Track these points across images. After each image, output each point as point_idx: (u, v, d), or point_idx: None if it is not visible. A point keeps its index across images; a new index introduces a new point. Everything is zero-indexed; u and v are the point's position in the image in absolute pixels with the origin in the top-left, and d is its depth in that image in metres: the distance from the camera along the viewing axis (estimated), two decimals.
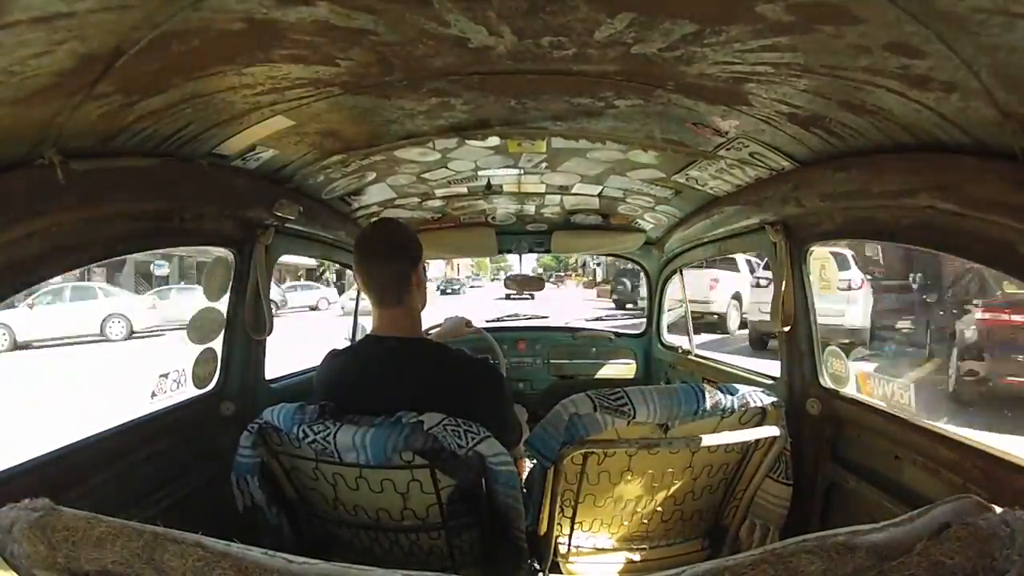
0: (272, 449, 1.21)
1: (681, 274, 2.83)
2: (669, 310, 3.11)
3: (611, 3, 0.79)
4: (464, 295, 26.41)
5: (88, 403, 5.15)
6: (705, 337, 8.91)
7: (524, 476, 1.61)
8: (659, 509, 1.50)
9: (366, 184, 1.86)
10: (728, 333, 10.29)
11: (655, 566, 1.54)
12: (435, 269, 30.89)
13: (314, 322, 13.42)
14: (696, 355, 2.67)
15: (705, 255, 2.42)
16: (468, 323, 2.46)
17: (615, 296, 15.77)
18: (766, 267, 7.98)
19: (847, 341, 6.02)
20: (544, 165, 1.82)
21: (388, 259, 1.25)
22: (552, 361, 3.15)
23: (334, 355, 1.34)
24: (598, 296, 21.30)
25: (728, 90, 1.07)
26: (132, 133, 1.03)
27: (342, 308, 13.83)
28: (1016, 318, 5.41)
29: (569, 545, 1.51)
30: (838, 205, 1.36)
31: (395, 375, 1.22)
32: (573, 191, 2.16)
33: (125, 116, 0.96)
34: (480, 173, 1.91)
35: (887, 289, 8.39)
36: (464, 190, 2.11)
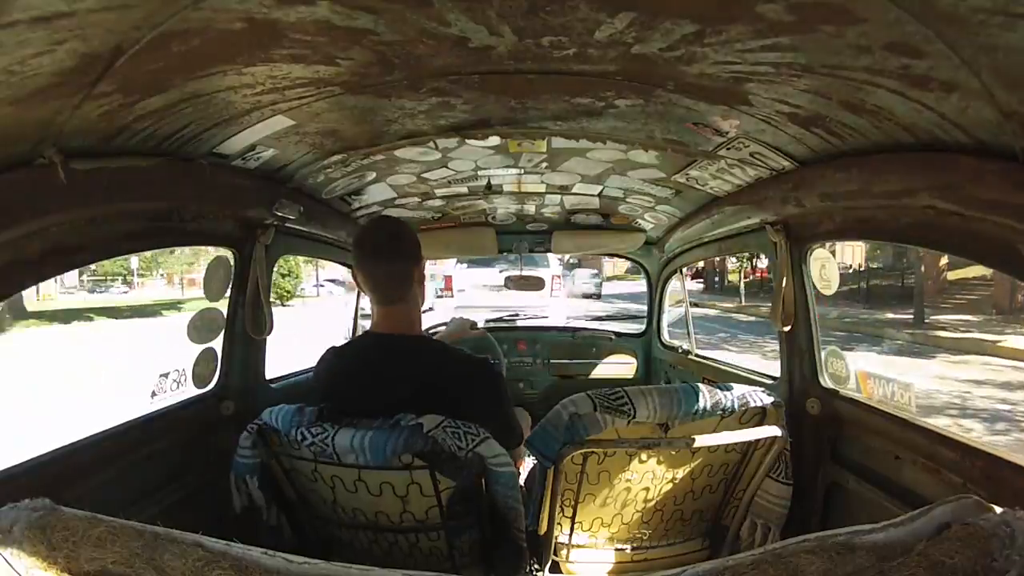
0: (272, 450, 1.20)
1: (682, 273, 2.83)
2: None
3: (611, 3, 0.79)
4: None
5: None
6: None
7: (523, 475, 1.61)
8: (659, 509, 1.50)
9: (366, 184, 1.86)
10: None
11: (655, 566, 1.54)
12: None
13: None
14: (696, 355, 2.67)
15: (705, 255, 2.42)
16: (473, 325, 2.46)
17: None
18: None
19: None
20: (544, 165, 1.82)
21: (388, 257, 1.24)
22: (552, 361, 3.15)
23: (333, 352, 1.33)
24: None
25: (728, 90, 1.07)
26: (132, 133, 1.03)
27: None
28: None
29: (569, 545, 1.51)
30: (838, 205, 1.36)
31: (395, 373, 1.21)
32: (573, 191, 2.16)
33: (125, 116, 0.96)
34: (480, 173, 1.90)
35: None
36: (464, 190, 2.11)
